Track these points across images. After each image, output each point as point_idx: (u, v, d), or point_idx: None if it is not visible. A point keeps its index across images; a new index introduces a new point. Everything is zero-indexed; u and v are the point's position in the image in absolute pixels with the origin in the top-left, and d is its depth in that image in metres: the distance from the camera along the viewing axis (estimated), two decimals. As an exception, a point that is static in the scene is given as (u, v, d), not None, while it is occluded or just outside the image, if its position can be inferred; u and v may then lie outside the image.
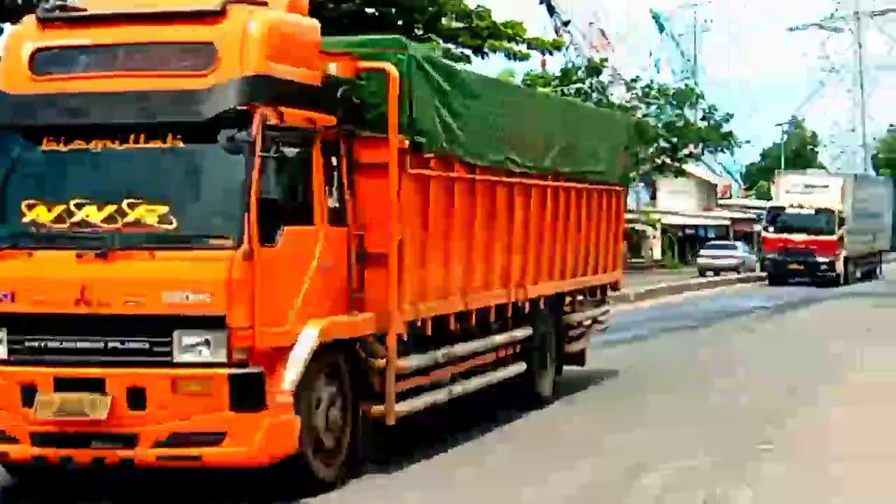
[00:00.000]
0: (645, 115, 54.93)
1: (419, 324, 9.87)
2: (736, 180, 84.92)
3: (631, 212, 55.58)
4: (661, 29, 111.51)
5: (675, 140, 54.06)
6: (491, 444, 10.86)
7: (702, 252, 50.29)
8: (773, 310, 29.03)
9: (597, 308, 14.95)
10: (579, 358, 14.39)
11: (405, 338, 9.50)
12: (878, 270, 46.20)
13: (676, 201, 64.33)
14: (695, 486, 9.02)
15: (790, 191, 41.88)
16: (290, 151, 8.24)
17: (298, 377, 8.15)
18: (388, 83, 9.19)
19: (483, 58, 32.49)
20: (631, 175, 19.96)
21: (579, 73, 55.39)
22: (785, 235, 39.96)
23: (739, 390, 14.29)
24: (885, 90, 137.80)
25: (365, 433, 9.28)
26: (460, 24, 32.01)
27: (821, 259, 39.33)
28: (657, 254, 51.79)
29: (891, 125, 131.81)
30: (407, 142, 9.36)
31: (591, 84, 54.35)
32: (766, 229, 42.23)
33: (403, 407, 9.56)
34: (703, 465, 9.83)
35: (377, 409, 9.24)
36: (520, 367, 12.14)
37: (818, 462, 10.01)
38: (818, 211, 40.04)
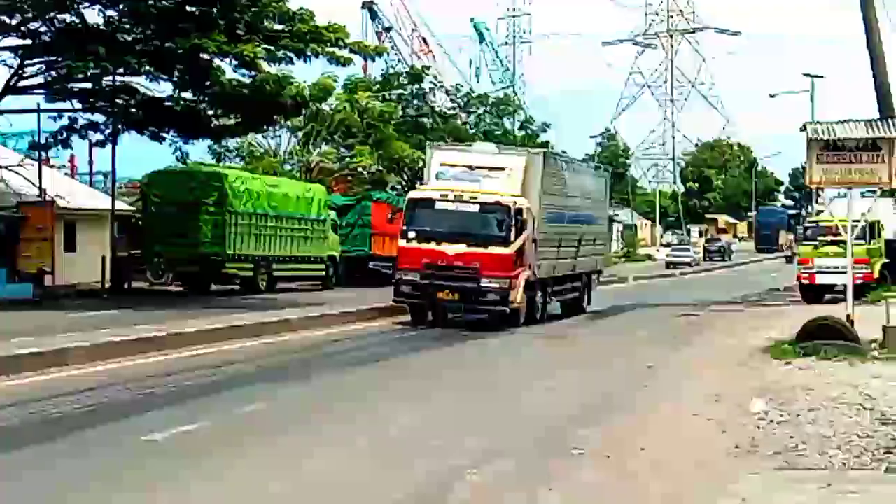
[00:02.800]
0: (465, 123, 55.63)
1: None
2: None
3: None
4: (482, 38, 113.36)
5: (493, 149, 54.87)
6: None
7: (667, 252, 78.13)
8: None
9: None
10: None
11: None
12: (585, 301, 30.95)
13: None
14: (505, 490, 9.13)
15: (444, 174, 25.79)
16: None
17: None
18: None
19: (306, 61, 32.36)
20: None
21: (401, 79, 55.73)
22: (432, 245, 24.71)
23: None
24: (694, 105, 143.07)
25: None
26: (283, 27, 31.81)
27: (487, 284, 24.41)
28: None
29: (699, 140, 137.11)
30: None
31: (413, 91, 54.74)
32: (403, 235, 25.37)
33: None
34: (514, 471, 9.96)
35: None
36: None
37: (628, 466, 10.27)
38: (485, 207, 24.69)
